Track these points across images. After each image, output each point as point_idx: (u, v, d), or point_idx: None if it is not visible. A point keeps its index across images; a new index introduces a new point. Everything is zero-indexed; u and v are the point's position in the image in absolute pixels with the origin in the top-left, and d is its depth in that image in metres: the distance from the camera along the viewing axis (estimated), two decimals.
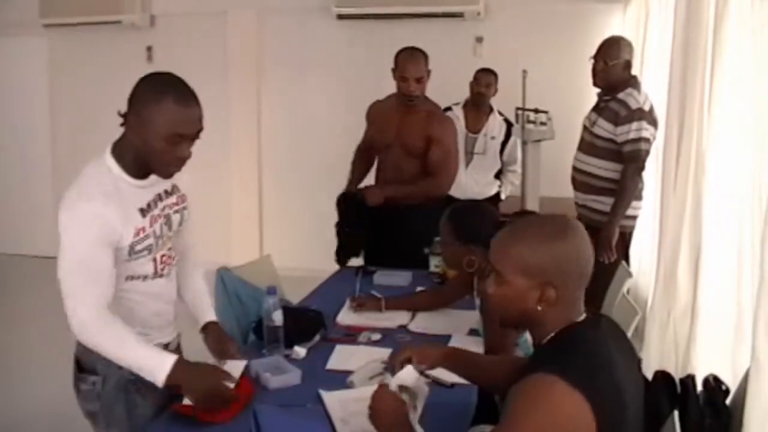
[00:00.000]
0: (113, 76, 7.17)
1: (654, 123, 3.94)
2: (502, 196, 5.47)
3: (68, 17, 7.02)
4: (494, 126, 5.35)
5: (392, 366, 2.09)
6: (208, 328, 2.46)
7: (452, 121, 4.22)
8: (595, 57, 4.09)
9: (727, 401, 2.01)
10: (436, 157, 3.96)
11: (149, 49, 7.09)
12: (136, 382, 2.15)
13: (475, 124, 5.33)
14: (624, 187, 3.93)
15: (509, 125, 5.33)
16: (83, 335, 2.02)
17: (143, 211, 2.12)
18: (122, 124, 2.08)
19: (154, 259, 2.19)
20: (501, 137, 5.34)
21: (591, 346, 1.64)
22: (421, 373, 2.02)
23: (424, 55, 4.00)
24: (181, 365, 2.02)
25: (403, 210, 4.03)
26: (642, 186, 4.05)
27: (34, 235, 7.65)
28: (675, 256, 3.14)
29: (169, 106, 1.98)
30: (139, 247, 2.11)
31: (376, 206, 3.98)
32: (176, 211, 2.28)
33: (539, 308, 1.67)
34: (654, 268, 3.79)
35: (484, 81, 5.28)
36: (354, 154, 4.41)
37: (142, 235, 2.11)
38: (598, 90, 4.21)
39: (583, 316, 1.72)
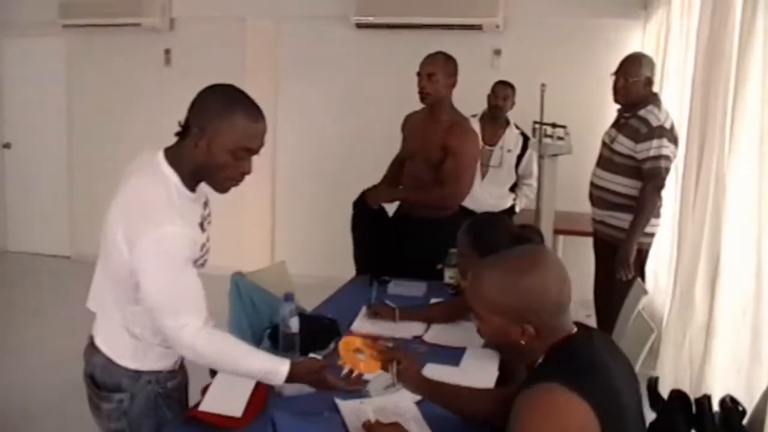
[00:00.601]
0: (131, 77, 7.24)
1: (674, 141, 3.91)
2: (517, 209, 5.46)
3: (88, 18, 7.08)
4: (511, 139, 5.35)
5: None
6: None
7: (475, 134, 4.15)
8: (616, 73, 4.09)
9: (744, 422, 2.00)
10: (449, 167, 3.91)
11: (167, 52, 7.13)
12: (164, 396, 2.15)
13: (491, 137, 5.33)
14: (643, 205, 3.90)
15: (525, 138, 5.34)
16: (196, 351, 1.99)
17: (201, 225, 2.11)
18: (179, 134, 2.04)
19: (198, 266, 2.15)
20: (517, 150, 5.35)
21: (585, 353, 1.68)
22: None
23: (447, 59, 3.99)
24: (295, 366, 2.06)
25: (417, 222, 4.02)
26: (660, 203, 4.04)
27: (50, 235, 7.70)
28: (692, 274, 3.13)
29: (239, 120, 1.97)
30: (200, 262, 2.09)
31: (379, 209, 4.04)
32: (209, 222, 2.26)
33: (523, 342, 1.71)
34: (670, 286, 3.77)
35: (501, 94, 5.28)
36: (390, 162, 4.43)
37: (203, 251, 2.11)
38: (618, 106, 4.19)
39: (574, 330, 1.75)
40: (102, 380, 2.15)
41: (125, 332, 2.10)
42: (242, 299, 3.12)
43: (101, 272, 2.13)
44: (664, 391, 2.07)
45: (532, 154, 5.25)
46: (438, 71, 3.93)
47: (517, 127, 5.38)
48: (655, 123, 3.87)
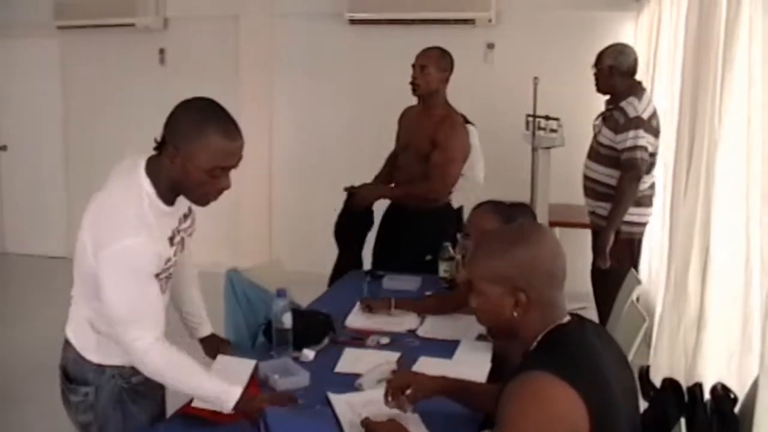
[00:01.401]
0: (126, 77, 7.23)
1: (653, 131, 4.01)
2: (454, 205, 4.69)
3: (82, 19, 7.06)
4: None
5: (390, 391, 2.13)
6: (208, 340, 2.52)
7: (465, 129, 4.17)
8: (595, 64, 4.22)
9: (736, 410, 2.01)
10: (434, 160, 3.94)
11: (162, 51, 7.13)
12: (129, 391, 2.17)
13: None
14: (619, 194, 4.00)
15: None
16: (148, 366, 2.00)
17: (171, 240, 2.09)
18: (156, 149, 2.02)
19: (161, 280, 2.15)
20: None
21: (576, 343, 1.70)
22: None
23: (443, 54, 4.06)
24: (245, 402, 2.02)
25: (407, 215, 4.08)
26: (653, 193, 4.10)
27: (46, 236, 7.71)
28: (685, 264, 3.13)
29: (213, 140, 1.93)
30: (162, 275, 2.08)
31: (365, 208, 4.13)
32: (189, 234, 2.26)
33: (515, 314, 1.74)
34: (663, 276, 3.79)
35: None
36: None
37: (168, 264, 2.09)
38: (605, 98, 4.28)
39: (567, 318, 1.77)
40: (73, 373, 2.18)
41: (89, 327, 2.13)
42: (237, 296, 3.13)
43: (74, 267, 2.13)
44: (659, 379, 2.08)
45: (477, 144, 4.76)
46: (431, 64, 3.97)
47: (467, 121, 5.17)
48: (632, 114, 3.96)
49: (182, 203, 2.12)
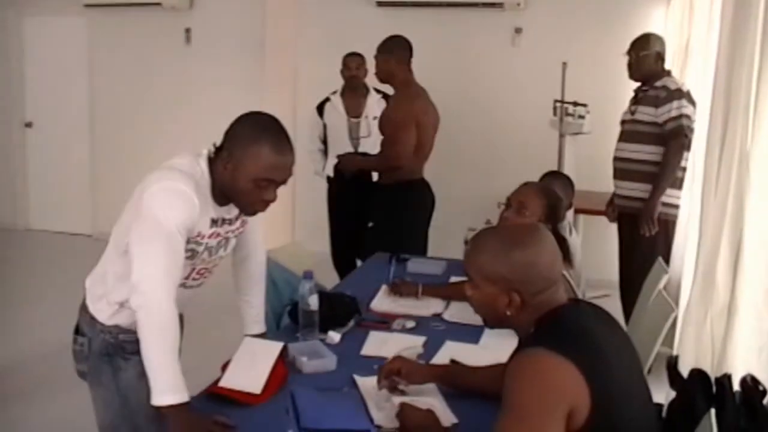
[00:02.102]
0: (152, 56, 7.26)
1: (693, 103, 4.10)
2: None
3: None
4: (373, 105, 5.27)
5: (380, 379, 2.17)
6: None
7: (402, 98, 4.36)
8: (628, 52, 4.31)
9: (765, 401, 1.99)
10: (383, 133, 4.35)
11: (188, 31, 7.13)
12: (116, 346, 2.19)
13: (355, 109, 5.29)
14: (667, 162, 4.08)
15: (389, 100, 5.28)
16: (161, 307, 1.95)
17: (213, 222, 2.13)
18: (215, 153, 2.09)
19: (192, 268, 2.19)
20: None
21: (572, 321, 1.73)
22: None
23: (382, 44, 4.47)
24: (180, 410, 1.91)
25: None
26: (683, 177, 4.11)
27: (70, 213, 7.77)
28: (714, 254, 3.10)
29: (265, 151, 2.01)
30: (188, 247, 2.09)
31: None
32: (235, 236, 2.30)
33: (508, 313, 1.76)
34: (691, 265, 3.75)
35: (353, 64, 5.24)
36: None
37: (198, 239, 2.11)
38: (636, 85, 4.34)
39: (563, 302, 1.79)
40: (78, 322, 2.28)
41: (101, 279, 2.21)
42: None
43: (116, 225, 2.20)
44: (686, 370, 2.07)
45: None
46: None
47: (378, 91, 5.29)
48: (673, 87, 4.10)
49: (234, 208, 2.19)
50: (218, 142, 2.10)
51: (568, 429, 1.58)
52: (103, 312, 2.21)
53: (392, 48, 4.35)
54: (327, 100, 5.29)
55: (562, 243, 2.94)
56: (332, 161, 5.21)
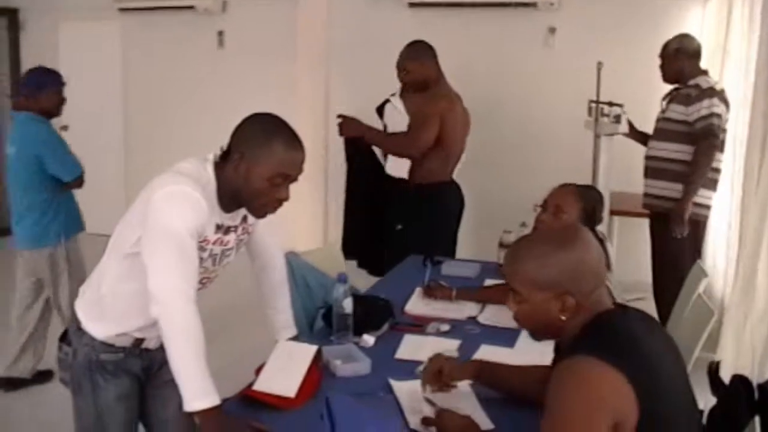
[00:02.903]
0: (185, 60, 7.31)
1: (725, 102, 4.06)
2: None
3: (142, 2, 7.19)
4: None
5: (425, 382, 2.17)
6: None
7: (434, 98, 4.41)
8: (660, 55, 4.34)
9: None
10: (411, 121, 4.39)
11: (220, 34, 7.17)
12: (97, 365, 2.18)
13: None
14: (697, 162, 4.03)
15: None
16: (183, 318, 1.94)
17: (218, 227, 2.11)
18: (221, 157, 2.09)
19: None
20: None
21: (619, 328, 1.69)
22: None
23: (410, 48, 4.60)
24: (213, 414, 1.91)
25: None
26: (717, 178, 4.06)
27: (104, 215, 7.81)
28: (755, 258, 3.05)
29: (278, 147, 2.02)
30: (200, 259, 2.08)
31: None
32: (237, 246, 2.27)
33: (563, 318, 1.73)
34: (729, 269, 3.70)
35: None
36: None
37: (203, 245, 2.09)
38: (670, 86, 4.35)
39: (608, 307, 1.76)
40: (68, 329, 2.27)
41: (97, 283, 2.19)
42: (295, 278, 3.12)
43: (119, 225, 2.20)
44: (725, 376, 2.02)
45: None
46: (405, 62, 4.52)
47: None
48: (705, 86, 4.07)
49: (238, 215, 2.18)
50: (224, 147, 2.10)
51: None
52: (90, 322, 2.19)
53: (419, 53, 4.47)
54: (387, 101, 5.26)
55: (602, 245, 2.91)
56: (391, 161, 5.22)
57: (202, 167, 2.07)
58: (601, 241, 2.91)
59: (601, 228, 3.77)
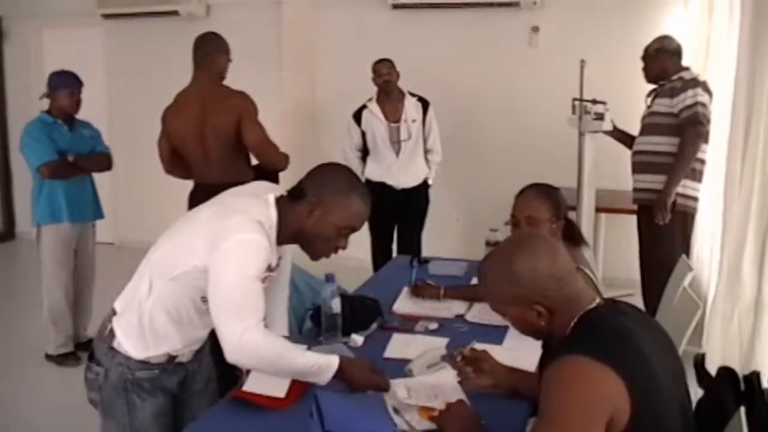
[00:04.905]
0: (169, 65, 7.26)
1: (709, 93, 4.11)
2: (430, 182, 5.42)
3: (126, 7, 7.15)
4: (411, 108, 5.27)
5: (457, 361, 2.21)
6: None
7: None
8: (642, 57, 4.39)
9: None
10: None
11: None
12: (133, 383, 2.18)
13: (393, 114, 5.26)
14: (683, 150, 4.07)
15: (425, 103, 5.31)
16: (259, 349, 2.01)
17: (269, 268, 2.13)
18: (291, 194, 2.15)
19: None
20: (420, 116, 5.28)
21: (609, 324, 1.70)
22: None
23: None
24: (342, 368, 2.09)
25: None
26: (703, 169, 4.08)
27: None
28: (740, 250, 3.07)
29: (356, 202, 2.12)
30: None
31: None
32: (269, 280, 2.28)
33: (543, 323, 1.76)
34: (714, 261, 3.72)
35: (384, 69, 5.20)
36: None
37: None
38: (654, 86, 4.39)
39: (597, 302, 1.77)
40: (95, 350, 2.25)
41: (134, 304, 2.16)
42: None
43: (161, 247, 2.18)
44: (712, 368, 2.04)
45: (432, 115, 5.32)
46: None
47: (413, 95, 5.32)
48: (688, 77, 4.13)
49: (281, 249, 2.22)
50: (288, 188, 2.18)
51: None
52: (124, 344, 2.18)
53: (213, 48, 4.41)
54: (364, 107, 5.29)
55: (573, 227, 2.93)
56: (372, 165, 5.27)
57: (266, 210, 2.10)
58: (573, 225, 2.92)
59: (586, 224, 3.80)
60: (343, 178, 2.17)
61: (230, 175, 3.79)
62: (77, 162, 4.57)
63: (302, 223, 2.11)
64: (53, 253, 4.56)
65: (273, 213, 2.10)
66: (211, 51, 4.26)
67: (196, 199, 3.93)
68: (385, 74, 5.18)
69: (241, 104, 4.05)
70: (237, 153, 4.06)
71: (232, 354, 1.98)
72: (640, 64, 4.42)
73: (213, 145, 4.03)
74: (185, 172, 4.20)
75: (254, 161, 4.18)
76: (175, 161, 4.17)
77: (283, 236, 2.13)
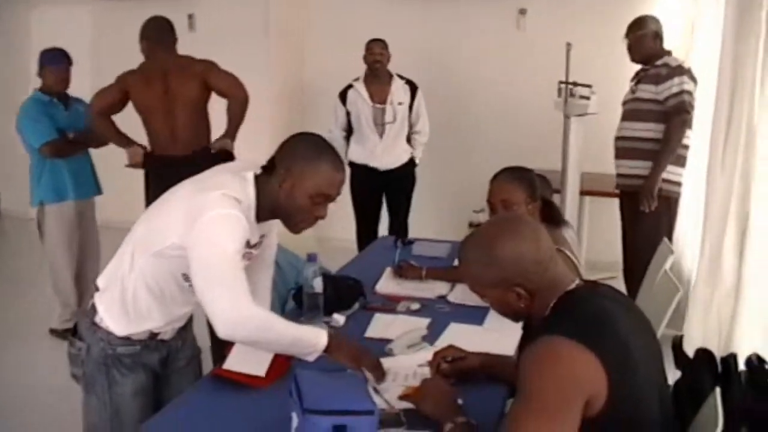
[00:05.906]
0: None
1: (694, 80, 4.12)
2: (417, 161, 5.46)
3: None
4: (398, 91, 5.28)
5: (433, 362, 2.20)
6: None
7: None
8: (626, 35, 4.35)
9: None
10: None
11: (191, 17, 7.09)
12: (114, 358, 2.18)
13: (380, 95, 5.27)
14: (669, 138, 4.09)
15: (413, 87, 5.32)
16: (241, 328, 2.01)
17: (248, 244, 2.12)
18: (264, 169, 2.13)
19: None
20: (407, 100, 5.29)
21: (587, 305, 1.71)
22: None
23: None
24: (330, 344, 2.10)
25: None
26: (686, 154, 4.11)
27: None
28: (720, 234, 3.09)
29: (325, 167, 2.09)
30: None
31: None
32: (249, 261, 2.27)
33: (522, 305, 1.76)
34: (697, 246, 3.74)
35: (377, 49, 5.22)
36: None
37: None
38: (638, 67, 4.39)
39: (576, 283, 1.77)
40: (78, 326, 2.25)
41: (116, 281, 2.16)
42: None
43: (142, 225, 2.18)
44: (691, 352, 2.06)
45: (420, 99, 5.35)
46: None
47: (401, 77, 5.33)
48: (674, 64, 4.13)
49: (264, 227, 2.21)
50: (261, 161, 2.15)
51: (584, 416, 1.57)
52: (104, 318, 2.18)
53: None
54: (350, 86, 5.28)
55: (552, 208, 2.94)
56: (355, 147, 5.28)
57: (243, 186, 2.08)
58: (552, 205, 2.93)
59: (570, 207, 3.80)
60: (310, 145, 2.14)
61: (192, 146, 4.07)
62: (78, 139, 4.55)
63: (275, 197, 2.10)
64: (59, 231, 4.57)
65: (251, 189, 2.09)
66: (176, 39, 4.54)
67: (160, 171, 4.09)
68: (377, 53, 5.19)
69: (202, 67, 4.25)
70: (202, 122, 4.25)
71: (223, 328, 1.97)
72: (626, 51, 4.41)
73: (182, 120, 4.17)
74: (108, 130, 4.48)
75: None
76: (109, 115, 4.46)
77: (263, 212, 2.12)
